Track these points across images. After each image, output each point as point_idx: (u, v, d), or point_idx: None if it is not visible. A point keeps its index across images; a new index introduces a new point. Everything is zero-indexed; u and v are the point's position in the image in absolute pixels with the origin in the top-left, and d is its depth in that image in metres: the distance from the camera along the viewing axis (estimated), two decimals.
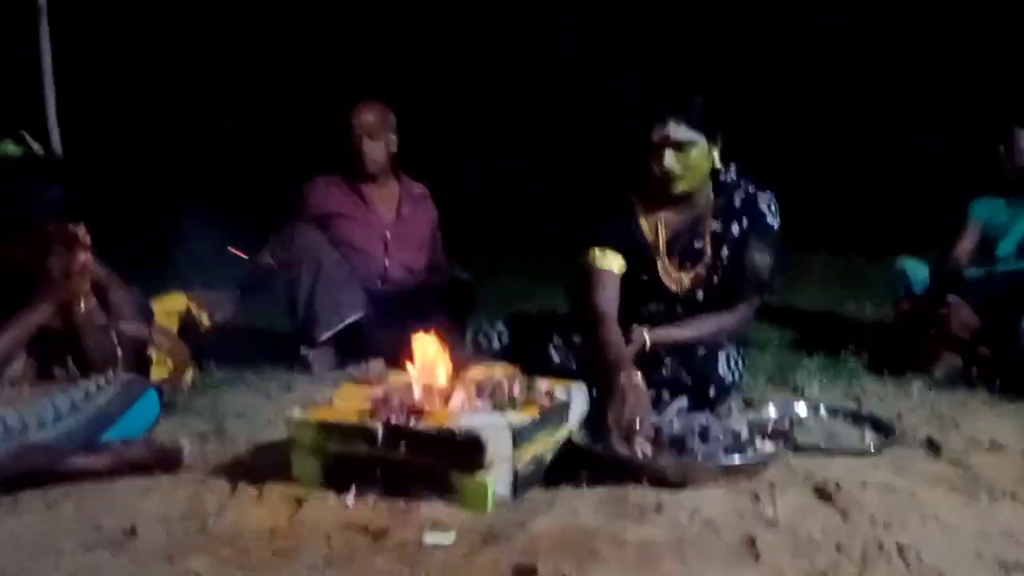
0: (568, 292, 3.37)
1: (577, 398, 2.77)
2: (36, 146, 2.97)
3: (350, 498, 2.40)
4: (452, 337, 3.61)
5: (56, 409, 2.58)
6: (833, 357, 3.98)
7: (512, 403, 2.62)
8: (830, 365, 3.88)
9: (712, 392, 3.05)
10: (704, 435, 2.65)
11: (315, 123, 4.38)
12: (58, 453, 2.54)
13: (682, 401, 2.87)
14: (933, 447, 2.81)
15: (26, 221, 2.75)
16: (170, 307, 3.93)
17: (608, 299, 3.11)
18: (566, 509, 2.32)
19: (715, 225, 3.20)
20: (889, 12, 8.16)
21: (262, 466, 2.68)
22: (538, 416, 2.57)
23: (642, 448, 2.56)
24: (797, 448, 2.74)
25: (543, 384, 2.75)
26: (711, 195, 3.22)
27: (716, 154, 3.13)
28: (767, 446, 2.64)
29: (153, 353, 3.48)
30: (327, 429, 2.52)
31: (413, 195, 4.44)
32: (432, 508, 2.34)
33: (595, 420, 2.73)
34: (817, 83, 8.35)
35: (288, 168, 4.51)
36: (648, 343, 3.07)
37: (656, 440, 2.62)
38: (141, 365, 3.25)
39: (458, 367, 2.84)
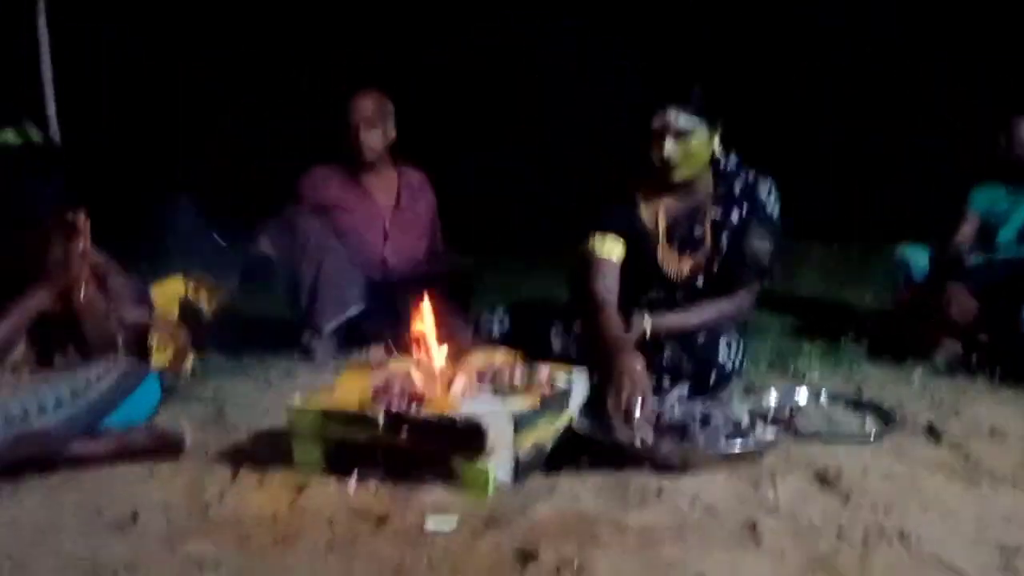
0: (569, 280, 3.37)
1: (578, 384, 2.77)
2: (36, 134, 2.97)
3: (351, 484, 2.41)
4: (453, 324, 3.63)
5: (57, 395, 2.58)
6: (834, 344, 3.98)
7: (513, 389, 2.62)
8: (831, 352, 3.89)
9: (713, 378, 3.05)
10: (705, 421, 2.66)
11: (315, 123, 4.37)
12: (59, 439, 2.54)
13: (683, 388, 2.88)
14: (933, 433, 2.82)
15: (26, 209, 2.74)
16: (169, 292, 3.92)
17: (608, 286, 3.12)
18: (567, 495, 2.32)
19: (715, 212, 3.20)
20: (889, 12, 8.16)
21: (263, 452, 2.69)
22: (539, 403, 2.57)
23: (642, 432, 2.57)
24: (798, 434, 2.74)
25: (544, 370, 2.75)
26: (711, 182, 3.21)
27: (716, 141, 3.13)
28: (768, 432, 2.65)
29: (153, 340, 3.48)
30: (328, 416, 2.52)
31: (411, 183, 4.43)
32: (433, 494, 2.34)
33: (596, 406, 2.73)
34: (817, 83, 8.34)
35: (288, 166, 4.51)
36: (648, 330, 3.07)
37: (657, 426, 2.62)
38: (141, 352, 3.25)
39: (459, 354, 2.85)
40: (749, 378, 3.41)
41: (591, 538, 2.06)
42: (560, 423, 2.66)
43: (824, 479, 2.41)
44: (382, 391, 2.55)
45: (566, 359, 3.01)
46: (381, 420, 2.44)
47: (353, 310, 4.06)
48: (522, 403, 2.55)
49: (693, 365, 3.06)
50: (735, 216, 3.19)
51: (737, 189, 3.19)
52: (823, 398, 3.15)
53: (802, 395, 3.15)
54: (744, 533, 2.09)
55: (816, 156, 7.98)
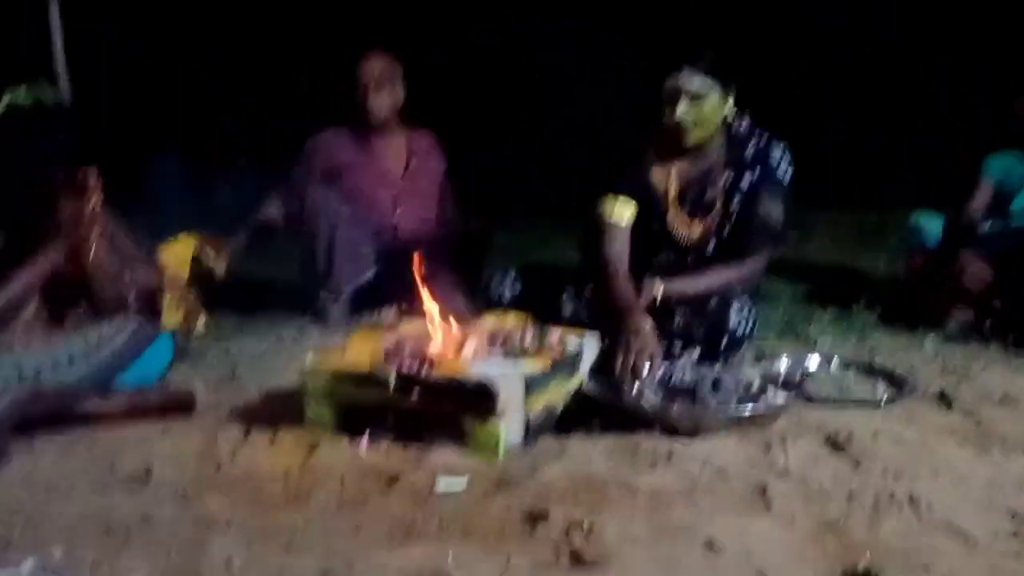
0: (581, 243, 3.35)
1: (588, 347, 2.77)
2: (47, 94, 2.96)
3: (363, 444, 2.42)
4: (464, 287, 3.64)
5: (70, 353, 2.60)
6: (846, 311, 3.97)
7: (524, 352, 2.62)
8: (843, 319, 3.88)
9: (724, 343, 3.03)
10: (716, 385, 2.66)
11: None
12: (72, 397, 2.56)
13: (693, 353, 2.87)
14: (945, 400, 2.81)
15: (37, 168, 2.74)
16: (179, 252, 3.92)
17: (619, 250, 3.11)
18: (577, 457, 2.33)
19: (727, 176, 3.17)
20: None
21: (275, 412, 2.70)
22: (550, 365, 2.58)
23: (651, 391, 2.57)
24: (809, 399, 2.74)
25: (555, 333, 2.75)
26: (723, 146, 3.19)
27: (729, 104, 3.10)
28: (779, 397, 2.64)
29: (164, 301, 3.49)
30: (340, 376, 2.53)
31: (421, 146, 4.39)
32: (444, 455, 2.35)
33: (606, 370, 2.74)
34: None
35: (297, 125, 4.51)
36: (659, 295, 3.05)
37: (668, 390, 2.63)
38: (152, 312, 3.26)
39: (470, 317, 2.85)
40: (760, 344, 3.40)
41: (601, 500, 2.07)
42: (571, 386, 2.66)
43: (835, 444, 2.41)
44: (393, 352, 2.56)
45: (577, 323, 3.01)
46: (392, 381, 2.45)
47: (369, 274, 4.07)
48: (533, 365, 2.55)
49: (705, 330, 3.05)
50: (747, 180, 3.16)
51: (749, 153, 3.17)
52: (834, 364, 3.14)
53: (814, 361, 3.14)
54: (754, 497, 2.10)
55: (829, 123, 7.94)
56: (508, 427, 2.39)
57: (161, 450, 2.44)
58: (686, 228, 3.22)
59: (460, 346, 2.65)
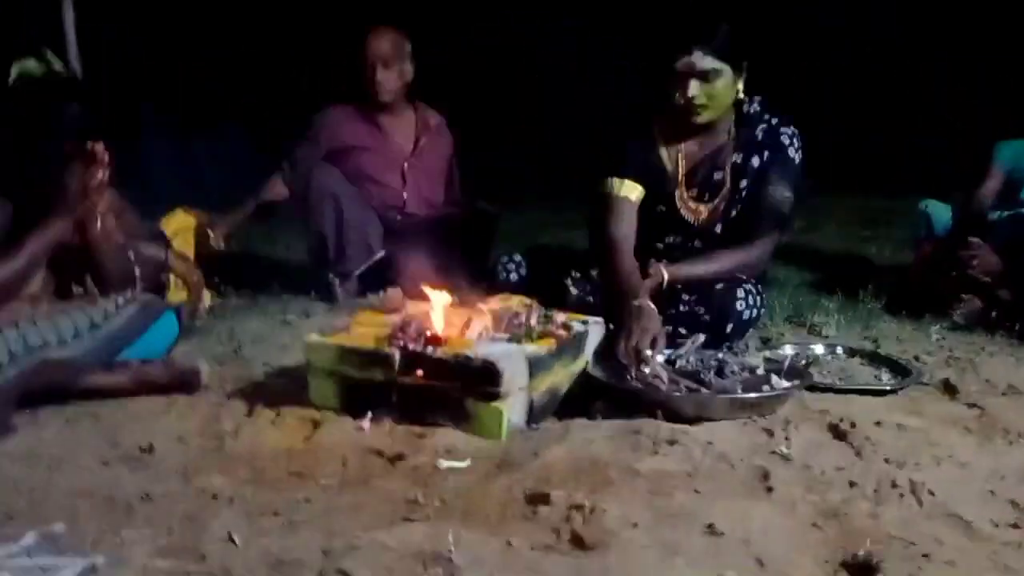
0: (589, 222, 3.33)
1: (593, 331, 2.77)
2: (57, 64, 2.96)
3: (366, 423, 2.42)
4: (471, 269, 3.63)
5: (76, 326, 2.59)
6: (852, 298, 3.96)
7: (529, 333, 2.62)
8: (849, 306, 3.87)
9: (729, 328, 3.03)
10: (720, 370, 2.66)
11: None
12: (77, 370, 2.56)
13: (699, 338, 2.86)
14: (949, 389, 2.80)
15: (46, 138, 2.74)
16: (180, 226, 3.93)
17: (624, 229, 3.07)
18: (580, 440, 2.32)
19: (736, 157, 3.15)
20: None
21: (279, 389, 2.70)
22: (555, 347, 2.57)
23: (653, 370, 2.57)
24: (813, 386, 2.73)
25: (560, 316, 2.75)
26: (733, 126, 3.17)
27: (741, 85, 3.07)
28: (783, 383, 2.64)
29: (170, 277, 3.49)
30: (345, 354, 2.53)
31: (430, 125, 4.37)
32: (447, 435, 2.35)
33: (611, 353, 2.73)
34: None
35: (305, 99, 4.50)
36: (666, 279, 3.04)
37: (672, 374, 2.62)
38: (157, 288, 3.26)
39: (476, 298, 2.84)
40: (766, 331, 3.40)
41: (603, 483, 2.07)
42: (575, 368, 2.66)
43: (838, 431, 2.40)
44: (399, 331, 2.56)
45: (583, 307, 3.00)
46: (397, 359, 2.45)
47: (377, 256, 4.06)
48: (538, 347, 2.55)
49: (710, 315, 3.04)
50: (756, 161, 3.14)
51: (759, 134, 3.15)
52: (839, 351, 3.14)
53: (818, 348, 3.14)
54: (756, 482, 2.09)
55: (837, 109, 7.93)
56: (511, 408, 2.39)
57: (164, 426, 2.44)
58: (693, 209, 3.20)
59: (465, 327, 2.64)
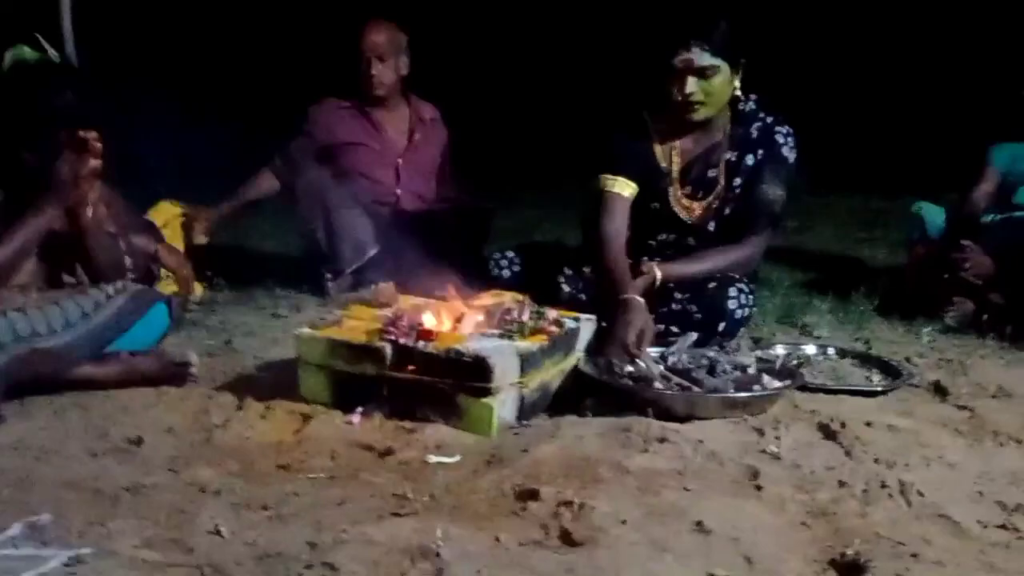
0: (582, 218, 3.32)
1: (585, 328, 2.77)
2: (52, 51, 2.94)
3: (356, 417, 2.41)
4: (464, 264, 3.62)
5: (66, 316, 2.58)
6: (844, 300, 3.96)
7: (521, 330, 2.61)
8: (840, 307, 3.86)
9: (721, 327, 3.02)
10: (711, 369, 2.66)
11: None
12: (66, 360, 2.55)
13: (691, 337, 2.86)
14: (940, 390, 2.81)
15: (39, 125, 2.72)
16: (162, 217, 3.91)
17: (617, 225, 3.06)
18: (570, 436, 2.32)
19: (730, 155, 3.15)
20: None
21: (269, 383, 2.70)
22: (546, 343, 2.57)
23: (645, 362, 2.58)
24: (804, 386, 2.73)
25: (552, 313, 2.74)
26: (728, 124, 3.16)
27: (738, 82, 3.07)
28: (773, 382, 2.64)
29: (160, 269, 3.48)
30: (335, 347, 2.52)
31: (424, 119, 4.34)
32: (437, 430, 2.35)
33: (602, 350, 2.73)
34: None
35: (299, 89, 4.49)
36: (659, 278, 3.03)
37: (663, 372, 2.62)
38: (148, 280, 3.25)
39: (469, 293, 2.84)
40: (758, 331, 3.40)
41: (592, 480, 2.07)
42: (566, 364, 2.66)
43: (828, 431, 2.40)
44: (390, 325, 2.55)
45: (575, 304, 3.00)
46: (388, 353, 2.44)
47: (371, 253, 4.04)
48: (529, 343, 2.54)
49: (702, 313, 3.03)
50: (750, 159, 3.15)
51: (755, 132, 3.15)
52: (831, 352, 3.14)
53: (810, 348, 3.14)
54: (745, 481, 2.10)
55: (835, 108, 7.94)
56: (502, 404, 2.39)
57: (153, 418, 2.43)
58: (687, 206, 3.20)
59: (457, 322, 2.64)
